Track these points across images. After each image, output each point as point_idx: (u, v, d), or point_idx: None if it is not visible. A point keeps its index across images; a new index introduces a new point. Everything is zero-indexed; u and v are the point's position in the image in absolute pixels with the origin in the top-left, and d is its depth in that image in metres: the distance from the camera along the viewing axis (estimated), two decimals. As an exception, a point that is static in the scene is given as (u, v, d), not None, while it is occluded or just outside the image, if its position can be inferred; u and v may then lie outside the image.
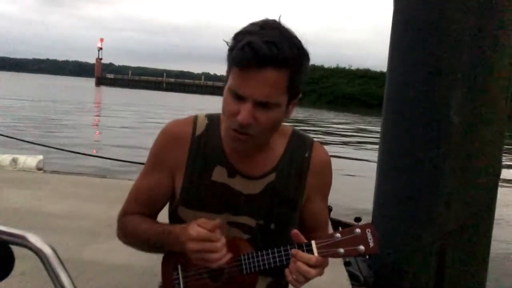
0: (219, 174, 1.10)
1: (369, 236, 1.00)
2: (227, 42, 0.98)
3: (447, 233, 2.69)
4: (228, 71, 1.00)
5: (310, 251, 1.00)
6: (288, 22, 0.98)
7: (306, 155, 1.14)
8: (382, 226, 2.85)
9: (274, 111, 0.98)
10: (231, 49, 0.96)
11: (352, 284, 2.93)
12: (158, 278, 1.26)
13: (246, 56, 0.91)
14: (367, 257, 1.03)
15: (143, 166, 1.20)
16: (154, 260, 1.21)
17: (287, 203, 1.12)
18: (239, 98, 0.97)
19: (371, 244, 0.99)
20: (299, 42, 0.97)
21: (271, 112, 0.98)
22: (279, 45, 0.91)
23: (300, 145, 1.15)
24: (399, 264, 2.84)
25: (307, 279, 0.99)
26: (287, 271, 1.00)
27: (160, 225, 1.14)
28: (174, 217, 1.15)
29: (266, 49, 0.90)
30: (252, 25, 0.97)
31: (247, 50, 0.91)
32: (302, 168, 1.13)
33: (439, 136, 2.69)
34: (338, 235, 1.00)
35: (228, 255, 1.00)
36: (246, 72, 0.93)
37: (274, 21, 0.97)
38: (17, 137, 7.87)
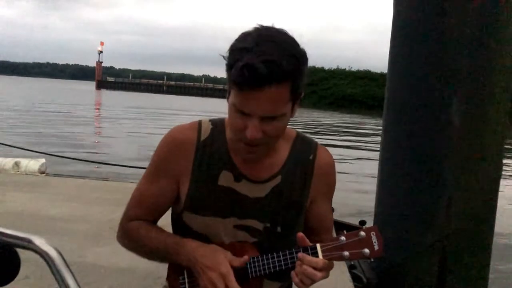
0: (225, 179, 1.10)
1: (374, 239, 1.00)
2: (223, 57, 0.97)
3: (449, 235, 2.69)
4: (229, 86, 0.99)
5: (315, 254, 1.01)
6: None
7: (311, 157, 1.15)
8: (384, 228, 2.85)
9: (280, 120, 0.99)
10: (229, 67, 0.95)
11: (355, 286, 2.93)
12: (161, 281, 1.26)
13: (246, 79, 0.91)
14: (371, 260, 1.03)
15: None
16: (157, 263, 1.21)
17: (292, 205, 1.13)
18: (244, 114, 0.97)
19: (376, 247, 0.99)
20: (297, 49, 0.96)
21: (277, 122, 0.99)
22: (278, 61, 0.90)
23: (305, 148, 1.16)
24: (401, 265, 2.83)
25: (313, 282, 1.00)
26: (293, 273, 1.01)
27: (169, 234, 1.14)
28: (178, 222, 1.15)
29: (265, 69, 0.89)
30: (246, 38, 0.95)
31: (246, 72, 0.90)
32: (306, 171, 1.14)
33: (439, 137, 2.69)
34: (343, 238, 1.01)
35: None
36: (247, 93, 0.93)
37: (267, 32, 0.96)
38: (18, 146, 7.87)
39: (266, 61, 0.90)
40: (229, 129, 1.05)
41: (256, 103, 0.94)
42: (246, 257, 1.05)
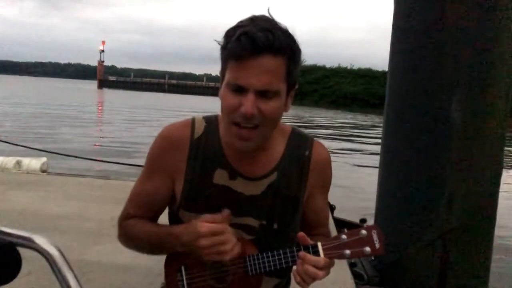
0: (220, 177, 1.10)
1: (375, 237, 1.00)
2: (218, 42, 0.99)
3: (450, 231, 2.70)
4: (224, 68, 1.00)
5: (316, 253, 1.01)
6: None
7: (307, 153, 1.14)
8: (385, 225, 2.86)
9: (275, 100, 0.98)
10: (224, 45, 0.97)
11: (356, 283, 2.94)
12: (162, 278, 1.26)
13: (243, 45, 0.92)
14: (373, 258, 1.03)
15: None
16: (158, 261, 1.21)
17: (289, 202, 1.13)
18: (239, 90, 0.97)
19: (377, 245, 1.00)
20: (290, 31, 0.98)
21: (272, 101, 0.98)
22: (274, 32, 0.93)
23: (300, 144, 1.15)
24: (402, 262, 2.84)
25: (314, 280, 1.01)
26: (294, 272, 1.01)
27: (162, 226, 1.14)
28: (175, 221, 1.15)
29: (262, 36, 0.92)
30: (241, 21, 0.98)
31: (243, 39, 0.92)
32: (303, 167, 1.14)
33: (440, 135, 2.69)
34: (344, 236, 1.01)
35: (239, 244, 1.02)
36: (245, 62, 0.94)
37: (263, 15, 0.99)
38: (21, 143, 7.89)
39: (263, 29, 0.92)
40: (223, 113, 1.03)
41: (252, 74, 0.94)
42: (225, 213, 1.04)
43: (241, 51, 0.93)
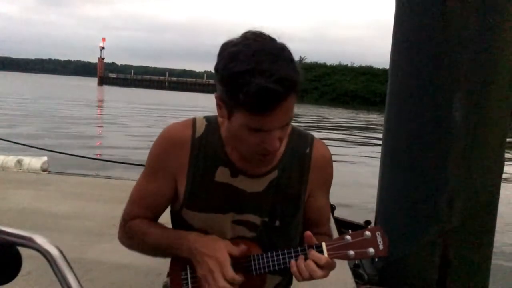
0: (222, 175, 1.11)
1: (379, 239, 1.01)
2: (216, 71, 0.96)
3: (450, 231, 2.70)
4: (233, 107, 0.95)
5: (320, 252, 1.02)
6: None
7: (307, 151, 1.16)
8: (385, 224, 2.86)
9: (290, 123, 1.03)
10: (234, 93, 0.91)
11: (356, 282, 2.94)
12: (163, 278, 1.27)
13: (264, 102, 0.90)
14: (376, 260, 1.04)
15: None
16: (159, 260, 1.22)
17: (290, 199, 1.14)
18: (260, 131, 0.96)
19: (381, 247, 1.00)
20: (288, 52, 0.95)
21: (288, 126, 1.03)
22: (288, 76, 0.90)
23: (301, 142, 1.17)
24: (402, 261, 2.84)
25: (311, 277, 1.01)
26: (293, 262, 1.02)
27: (170, 229, 1.16)
28: (178, 219, 1.16)
29: (280, 88, 0.89)
30: (238, 56, 0.91)
31: (263, 96, 0.89)
32: (303, 164, 1.15)
33: (441, 134, 2.69)
34: (348, 237, 1.01)
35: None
36: (266, 113, 0.92)
37: (256, 44, 0.93)
38: (21, 142, 7.89)
39: (279, 80, 0.89)
40: (239, 146, 1.04)
41: (275, 119, 0.95)
42: (244, 247, 1.06)
43: (265, 108, 0.91)
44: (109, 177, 5.90)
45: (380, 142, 3.48)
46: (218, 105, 1.01)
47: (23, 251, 0.71)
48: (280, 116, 0.95)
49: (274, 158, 1.12)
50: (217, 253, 1.03)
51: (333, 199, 1.76)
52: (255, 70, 0.89)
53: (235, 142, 1.04)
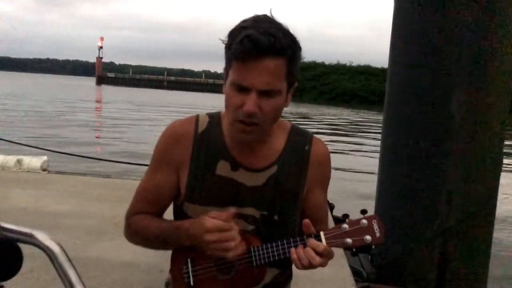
0: (222, 168, 1.13)
1: (375, 226, 1.03)
2: (222, 41, 1.03)
3: (449, 228, 2.70)
4: (228, 67, 1.05)
5: (319, 241, 1.03)
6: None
7: (306, 148, 1.18)
8: (384, 222, 2.86)
9: (276, 98, 1.03)
10: (228, 46, 1.01)
11: (355, 280, 2.94)
12: (164, 275, 1.28)
13: (246, 48, 0.97)
14: (373, 247, 1.05)
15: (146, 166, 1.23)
16: (160, 257, 1.23)
17: (289, 194, 1.16)
18: (242, 90, 1.01)
19: (378, 234, 1.02)
20: (291, 32, 1.02)
21: (273, 100, 1.03)
22: (275, 34, 0.97)
23: (300, 139, 1.19)
24: (401, 259, 2.85)
25: (310, 264, 1.03)
26: (292, 249, 1.04)
27: (169, 221, 1.17)
28: (180, 214, 1.18)
29: (264, 39, 0.96)
30: (245, 21, 1.02)
31: (246, 42, 0.96)
32: (302, 161, 1.17)
33: (440, 132, 2.70)
34: (345, 226, 1.04)
35: (242, 243, 1.05)
36: (247, 64, 0.99)
37: (264, 15, 1.03)
38: (20, 141, 7.89)
39: (265, 33, 0.97)
40: (227, 109, 1.08)
41: (254, 75, 0.99)
42: (231, 210, 1.06)
43: (244, 54, 0.97)
44: (109, 177, 5.91)
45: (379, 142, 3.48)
46: (224, 76, 1.07)
47: (24, 248, 0.71)
48: (260, 74, 0.99)
49: (272, 154, 1.14)
50: (207, 225, 1.02)
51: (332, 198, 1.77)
52: (250, 25, 0.99)
53: (227, 111, 1.08)
